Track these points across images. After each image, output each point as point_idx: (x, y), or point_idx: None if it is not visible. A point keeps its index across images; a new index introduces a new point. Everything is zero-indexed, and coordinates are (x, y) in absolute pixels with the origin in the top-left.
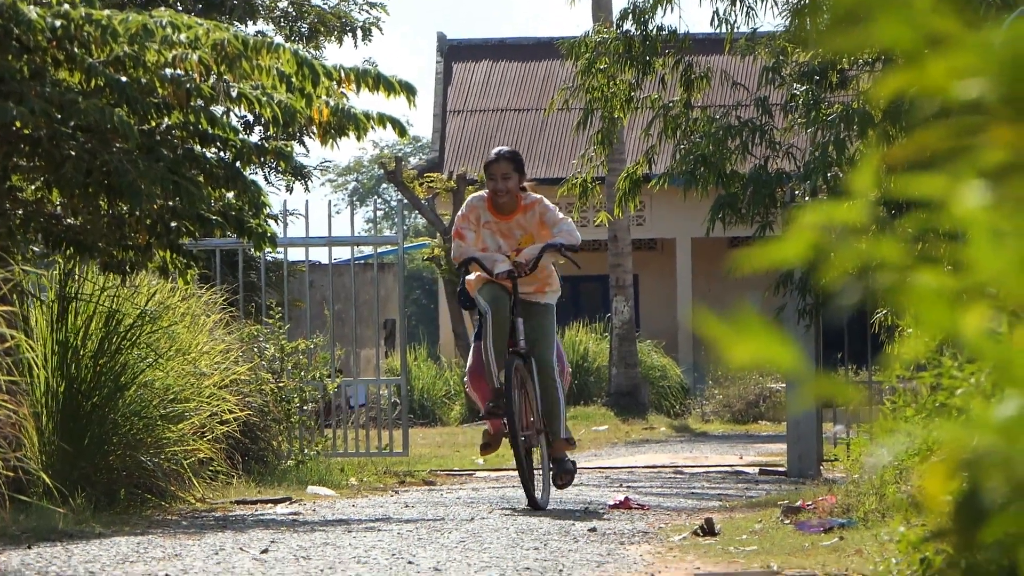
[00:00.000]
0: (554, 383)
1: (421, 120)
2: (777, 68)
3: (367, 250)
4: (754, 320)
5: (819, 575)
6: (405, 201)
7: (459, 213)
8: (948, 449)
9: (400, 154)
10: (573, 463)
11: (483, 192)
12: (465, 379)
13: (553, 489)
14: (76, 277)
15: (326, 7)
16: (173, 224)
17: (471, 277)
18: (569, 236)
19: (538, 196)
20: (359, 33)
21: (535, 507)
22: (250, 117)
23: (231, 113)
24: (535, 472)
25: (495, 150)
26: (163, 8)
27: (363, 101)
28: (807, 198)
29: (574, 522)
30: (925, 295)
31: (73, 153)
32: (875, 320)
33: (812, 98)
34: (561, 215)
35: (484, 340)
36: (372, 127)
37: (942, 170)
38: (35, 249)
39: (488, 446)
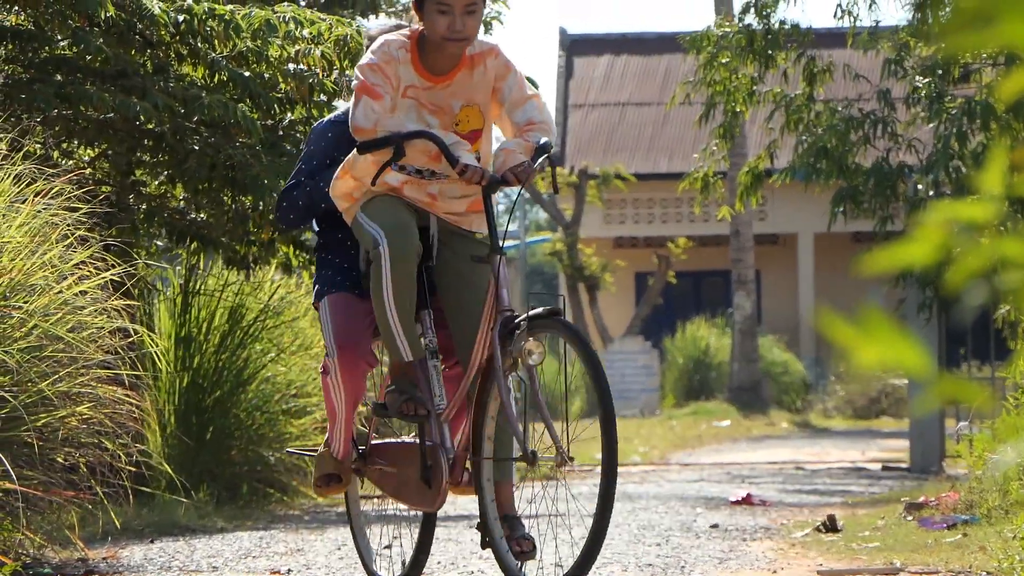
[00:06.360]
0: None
1: None
2: (899, 61)
3: None
4: (880, 320)
5: (942, 572)
6: (526, 195)
7: (364, 60)
8: None
9: None
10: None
11: (402, 36)
12: (322, 364)
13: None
14: (199, 272)
15: None
16: None
17: (347, 184)
18: (549, 131)
19: (492, 43)
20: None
21: None
22: None
23: None
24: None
25: None
26: (285, 3)
27: None
28: (930, 192)
29: (696, 518)
30: None
31: (197, 148)
32: (998, 316)
33: (935, 91)
34: (530, 89)
35: (381, 296)
36: None
37: None
38: (159, 244)
39: (330, 479)
